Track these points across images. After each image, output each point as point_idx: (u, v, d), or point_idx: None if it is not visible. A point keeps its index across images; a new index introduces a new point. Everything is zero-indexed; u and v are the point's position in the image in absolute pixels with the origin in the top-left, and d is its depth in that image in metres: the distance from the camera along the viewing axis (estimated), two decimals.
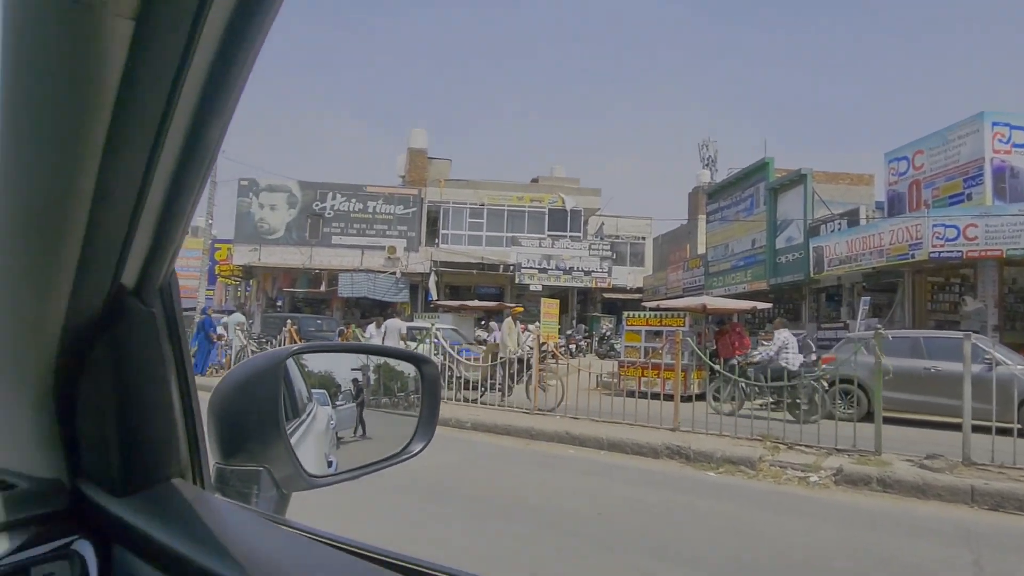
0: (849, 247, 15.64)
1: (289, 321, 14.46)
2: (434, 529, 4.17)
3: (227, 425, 0.80)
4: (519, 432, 7.96)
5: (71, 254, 0.55)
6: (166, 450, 0.69)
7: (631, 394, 9.03)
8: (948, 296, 15.30)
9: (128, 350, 0.64)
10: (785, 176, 19.15)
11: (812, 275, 17.12)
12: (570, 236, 25.65)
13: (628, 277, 28.41)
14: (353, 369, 1.17)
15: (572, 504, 5.06)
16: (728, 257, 21.94)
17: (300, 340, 12.77)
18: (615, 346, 19.33)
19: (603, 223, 29.54)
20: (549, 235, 25.44)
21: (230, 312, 18.89)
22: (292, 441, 0.86)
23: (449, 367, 10.18)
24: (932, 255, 13.14)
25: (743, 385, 8.75)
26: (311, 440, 1.03)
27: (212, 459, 0.78)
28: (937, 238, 13.07)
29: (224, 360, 13.73)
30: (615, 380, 11.68)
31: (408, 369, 1.20)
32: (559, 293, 23.85)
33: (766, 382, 8.06)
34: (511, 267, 24.24)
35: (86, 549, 0.62)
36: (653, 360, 10.98)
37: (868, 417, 7.65)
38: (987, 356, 7.57)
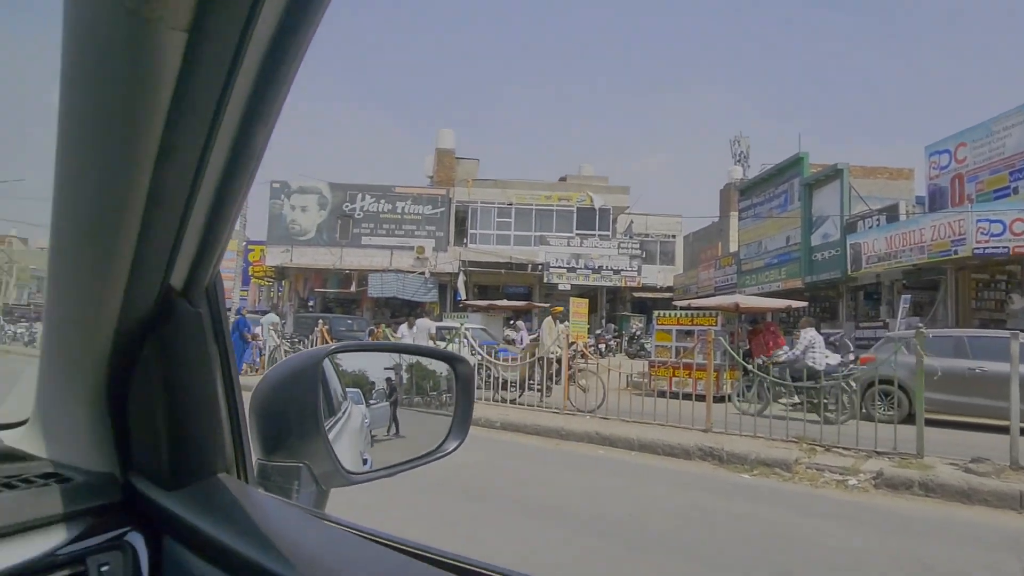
0: (888, 244, 15.20)
1: (321, 321, 14.68)
2: (464, 528, 4.19)
3: (268, 422, 0.82)
4: (549, 432, 7.95)
5: (125, 257, 0.58)
6: (212, 446, 0.71)
7: (662, 394, 8.95)
8: (993, 294, 14.76)
9: (176, 349, 0.67)
10: (820, 171, 18.69)
11: (849, 273, 16.68)
12: (599, 235, 25.49)
13: (658, 276, 28.08)
14: (386, 368, 1.19)
15: (603, 505, 5.04)
16: (761, 255, 21.52)
17: (331, 339, 12.97)
18: (645, 346, 19.14)
19: (632, 221, 29.28)
20: (577, 234, 25.34)
21: (264, 312, 19.32)
22: (329, 438, 0.88)
23: (486, 367, 10.16)
24: (976, 251, 12.68)
25: (768, 385, 8.62)
26: (346, 438, 1.05)
27: (254, 455, 0.80)
28: (982, 233, 12.61)
29: (259, 360, 14.02)
30: (645, 380, 11.57)
31: (440, 368, 1.21)
32: (588, 292, 23.71)
33: (792, 382, 7.92)
34: (539, 266, 24.22)
35: (138, 541, 0.65)
36: (684, 360, 10.85)
37: (909, 419, 7.42)
38: None
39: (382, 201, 25.27)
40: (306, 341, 14.26)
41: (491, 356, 10.51)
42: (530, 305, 22.69)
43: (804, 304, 15.81)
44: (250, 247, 27.82)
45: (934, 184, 15.63)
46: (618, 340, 23.06)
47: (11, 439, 0.73)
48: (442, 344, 11.06)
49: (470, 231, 25.72)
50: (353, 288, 24.43)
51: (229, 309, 18.13)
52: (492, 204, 25.77)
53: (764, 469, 6.19)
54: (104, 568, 0.61)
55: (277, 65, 0.49)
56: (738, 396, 9.31)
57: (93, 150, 0.52)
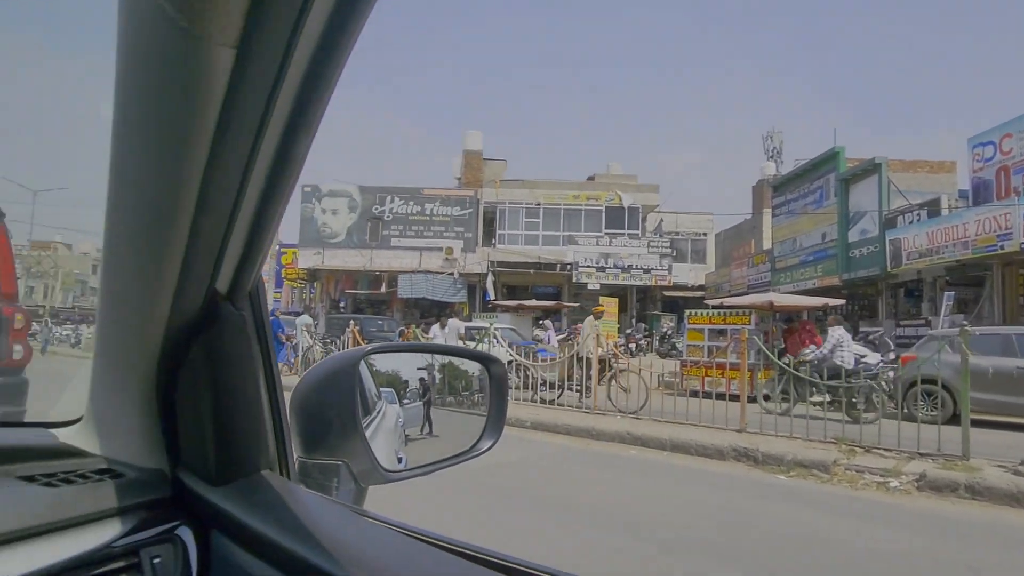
0: (930, 239, 14.70)
1: (352, 322, 14.91)
2: (495, 528, 4.21)
3: (308, 421, 0.84)
4: (579, 432, 7.92)
5: (174, 262, 0.60)
6: (256, 444, 0.73)
7: (694, 394, 8.82)
8: None
9: (222, 350, 0.69)
10: (857, 166, 18.18)
11: (889, 269, 16.20)
12: (628, 234, 25.28)
13: (689, 274, 27.68)
14: (419, 368, 1.20)
15: (635, 505, 5.00)
16: (796, 252, 21.04)
17: (363, 340, 13.14)
18: (676, 345, 18.90)
19: (662, 220, 28.94)
20: (606, 233, 25.16)
21: (298, 314, 19.69)
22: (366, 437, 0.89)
23: (524, 367, 10.12)
24: None
25: (794, 384, 8.43)
26: (381, 437, 1.06)
27: (295, 453, 0.82)
28: None
29: (294, 360, 14.28)
30: (677, 380, 11.43)
31: (472, 368, 1.22)
32: (618, 292, 23.51)
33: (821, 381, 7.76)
34: (568, 266, 24.13)
35: (187, 534, 0.67)
36: (717, 359, 10.68)
37: (953, 420, 7.17)
38: None
39: (411, 203, 25.51)
40: (338, 342, 14.47)
41: (529, 356, 10.45)
42: (559, 305, 22.63)
43: (841, 302, 15.41)
44: (283, 250, 28.40)
45: (978, 177, 15.04)
46: (648, 339, 22.83)
47: (66, 436, 0.76)
48: (472, 344, 11.09)
49: (498, 231, 25.77)
50: (383, 289, 24.72)
51: None
52: (520, 204, 25.78)
53: (801, 470, 6.06)
54: (156, 560, 0.64)
55: (318, 77, 0.51)
56: (764, 396, 9.13)
57: (145, 161, 0.54)
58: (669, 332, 22.91)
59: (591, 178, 29.02)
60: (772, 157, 32.56)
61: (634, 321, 24.43)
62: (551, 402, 9.71)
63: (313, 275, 26.61)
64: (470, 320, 18.72)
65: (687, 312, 13.02)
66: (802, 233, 20.78)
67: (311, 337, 14.56)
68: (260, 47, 0.46)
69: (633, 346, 20.16)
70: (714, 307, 12.64)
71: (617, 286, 24.04)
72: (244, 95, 0.49)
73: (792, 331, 12.12)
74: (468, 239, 25.19)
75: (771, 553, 3.93)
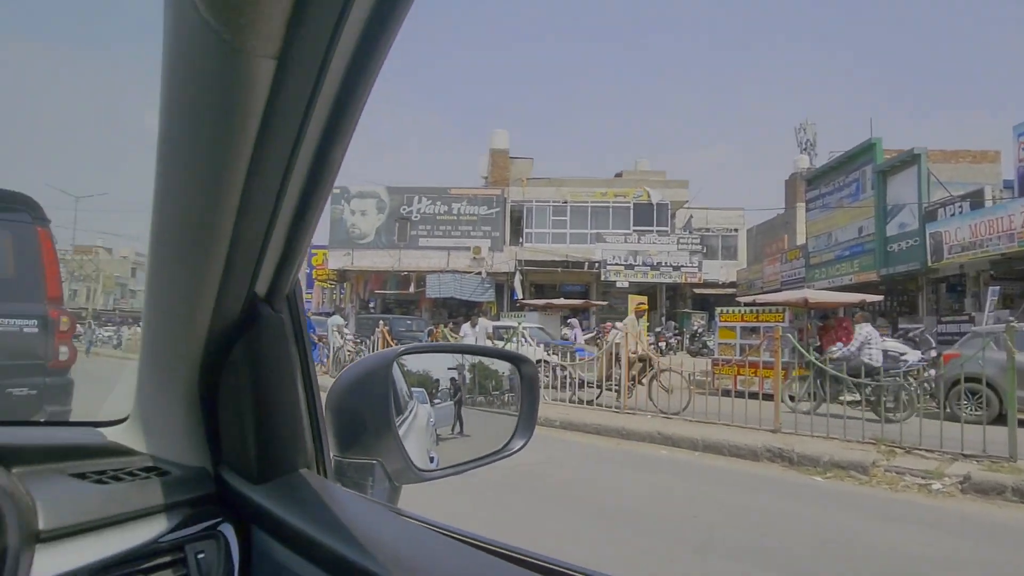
0: (973, 232, 14.18)
1: (382, 322, 15.06)
2: (526, 527, 4.21)
3: (344, 421, 0.86)
4: (609, 432, 7.87)
5: (216, 267, 0.62)
6: (294, 443, 0.75)
7: (726, 393, 8.68)
8: None
9: (261, 352, 0.71)
10: (895, 157, 17.62)
11: (930, 264, 15.66)
12: (657, 231, 25.01)
13: (720, 271, 27.24)
14: (449, 368, 1.21)
15: (667, 505, 4.95)
16: (831, 247, 20.50)
17: (392, 339, 13.28)
18: (707, 343, 18.62)
19: (691, 216, 28.54)
20: (635, 230, 24.93)
21: (329, 314, 20.02)
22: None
23: (562, 366, 10.03)
24: None
25: (820, 383, 8.24)
26: (413, 437, 1.07)
27: (331, 452, 0.84)
28: None
29: (326, 360, 14.50)
30: (708, 379, 11.27)
31: (502, 368, 1.23)
32: (646, 289, 23.28)
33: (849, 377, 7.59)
34: (596, 264, 23.99)
35: (229, 531, 0.70)
36: (750, 358, 10.49)
37: (999, 420, 6.91)
38: None
39: (438, 203, 25.69)
40: (367, 341, 14.65)
41: (566, 356, 10.37)
42: (587, 303, 22.52)
43: (879, 298, 14.98)
44: (313, 251, 28.88)
45: None
46: (679, 338, 22.56)
47: (113, 435, 0.79)
48: (500, 343, 11.10)
49: (526, 230, 25.76)
50: (412, 289, 24.95)
51: None
52: (547, 203, 25.73)
53: (838, 472, 5.91)
54: (200, 556, 0.66)
55: (353, 85, 0.52)
56: (790, 396, 8.94)
57: (189, 170, 0.56)
58: (700, 330, 22.60)
59: (619, 175, 28.80)
60: (805, 150, 31.79)
61: (664, 319, 24.17)
62: (589, 402, 9.51)
63: (343, 276, 27.01)
64: (498, 319, 18.76)
65: (718, 310, 12.82)
66: (837, 227, 20.24)
67: (342, 337, 14.76)
68: (299, 57, 0.47)
69: (663, 345, 19.95)
70: (746, 304, 12.42)
71: (646, 284, 23.82)
72: (283, 104, 0.50)
73: (827, 328, 11.83)
74: (495, 238, 25.25)
75: (809, 557, 3.85)
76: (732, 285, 26.65)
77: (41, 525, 0.56)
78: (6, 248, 3.84)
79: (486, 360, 1.27)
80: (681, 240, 24.95)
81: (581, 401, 9.58)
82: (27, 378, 3.92)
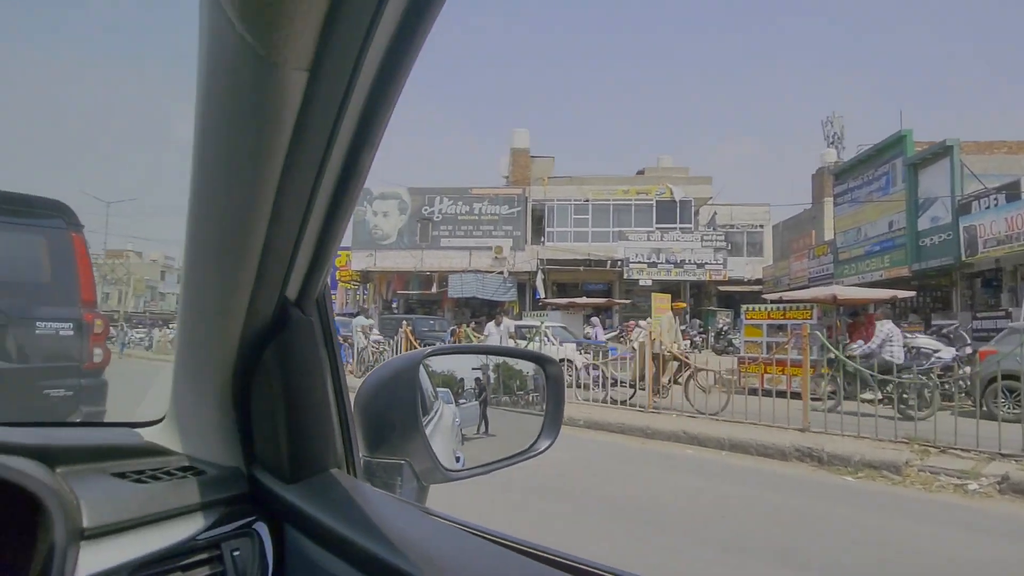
0: (1009, 225, 13.75)
1: (405, 322, 15.17)
2: (552, 527, 4.21)
3: (372, 422, 0.87)
4: (634, 431, 7.82)
5: (249, 272, 0.64)
6: (325, 443, 0.76)
7: (752, 392, 8.55)
8: None
9: (292, 354, 0.72)
10: (926, 149, 17.18)
11: (964, 258, 15.23)
12: (680, 228, 24.75)
13: (745, 268, 26.83)
14: (473, 369, 1.21)
15: (694, 505, 4.90)
16: (861, 242, 20.07)
17: (415, 340, 13.38)
18: (733, 341, 18.38)
19: (715, 212, 28.19)
20: (658, 228, 24.72)
21: (353, 315, 20.23)
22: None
23: (594, 365, 9.97)
24: None
25: (840, 381, 8.06)
26: (439, 437, 1.08)
27: (360, 452, 0.85)
28: None
29: (351, 361, 14.65)
30: (734, 377, 11.12)
31: (526, 368, 1.23)
32: (670, 287, 23.05)
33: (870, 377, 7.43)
34: (619, 262, 23.85)
35: (262, 529, 0.71)
36: (777, 356, 10.32)
37: None
38: None
39: (459, 203, 25.79)
40: (390, 341, 14.78)
41: (598, 355, 10.31)
42: (610, 302, 22.40)
43: (911, 294, 14.62)
44: (337, 253, 29.13)
45: None
46: (704, 336, 22.30)
47: (150, 435, 0.81)
48: (523, 343, 11.10)
49: (547, 229, 25.73)
50: (434, 289, 25.10)
51: None
52: (568, 201, 25.65)
53: (870, 472, 5.79)
54: (236, 554, 0.67)
55: (381, 94, 0.54)
56: (811, 393, 8.78)
57: (223, 178, 0.58)
58: (725, 328, 22.31)
59: (641, 172, 28.57)
60: (833, 143, 31.20)
61: (688, 317, 23.92)
62: (622, 403, 9.35)
63: (366, 277, 27.29)
64: (520, 319, 18.77)
65: (744, 307, 12.64)
66: (867, 222, 19.80)
67: (367, 338, 14.91)
68: (330, 68, 0.49)
69: (688, 343, 19.75)
70: (773, 302, 12.22)
71: (669, 282, 23.59)
72: (314, 114, 0.52)
73: (857, 325, 11.61)
74: (517, 237, 25.27)
75: (841, 558, 3.77)
76: (758, 282, 26.25)
77: (85, 523, 0.58)
78: (42, 253, 3.95)
79: (510, 360, 1.27)
80: (705, 237, 24.67)
81: (615, 401, 9.43)
82: (63, 379, 4.03)
